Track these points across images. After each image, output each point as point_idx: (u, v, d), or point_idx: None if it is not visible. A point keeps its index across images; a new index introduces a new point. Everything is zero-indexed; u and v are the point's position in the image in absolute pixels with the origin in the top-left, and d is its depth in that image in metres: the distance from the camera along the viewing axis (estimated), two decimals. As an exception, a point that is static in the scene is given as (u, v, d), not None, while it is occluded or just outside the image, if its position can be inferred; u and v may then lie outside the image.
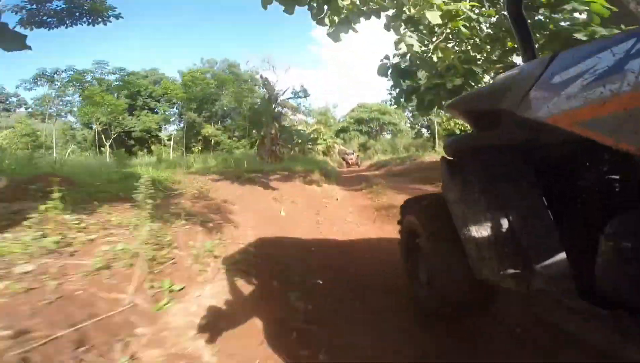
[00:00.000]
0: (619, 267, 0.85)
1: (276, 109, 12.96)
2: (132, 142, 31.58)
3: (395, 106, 7.15)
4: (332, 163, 28.30)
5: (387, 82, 7.54)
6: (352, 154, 26.94)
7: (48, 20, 8.43)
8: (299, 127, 21.87)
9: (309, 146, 21.86)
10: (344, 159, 26.42)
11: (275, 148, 11.68)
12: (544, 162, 1.37)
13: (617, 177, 1.21)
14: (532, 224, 1.19)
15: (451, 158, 1.61)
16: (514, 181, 1.30)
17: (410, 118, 35.24)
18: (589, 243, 0.95)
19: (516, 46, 3.80)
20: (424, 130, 34.95)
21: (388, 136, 35.86)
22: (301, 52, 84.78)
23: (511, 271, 1.12)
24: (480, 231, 1.24)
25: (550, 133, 1.12)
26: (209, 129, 27.74)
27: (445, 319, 1.76)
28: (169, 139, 32.90)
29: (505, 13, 2.27)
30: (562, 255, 1.09)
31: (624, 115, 0.75)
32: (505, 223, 1.20)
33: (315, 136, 20.25)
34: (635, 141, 0.73)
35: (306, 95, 32.36)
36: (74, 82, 29.08)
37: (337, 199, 7.08)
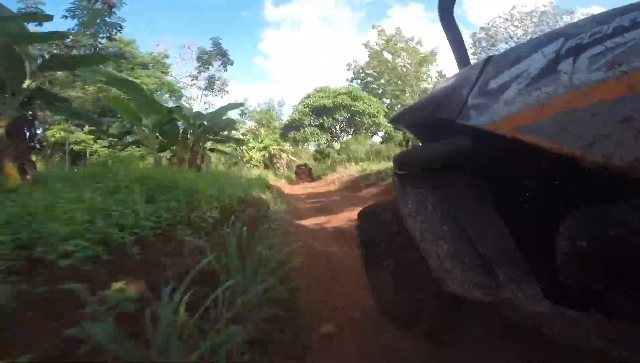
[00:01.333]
0: (579, 265, 0.85)
1: None
2: None
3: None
4: (278, 178, 18.05)
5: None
6: (305, 167, 21.88)
7: None
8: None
9: (223, 148, 11.42)
10: (296, 173, 20.83)
11: None
12: (492, 169, 1.30)
13: (562, 179, 1.12)
14: (489, 232, 1.17)
15: (402, 172, 1.60)
16: (465, 191, 1.31)
17: (387, 108, 24.09)
18: (547, 245, 0.93)
19: None
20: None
21: (350, 136, 24.26)
22: (247, 66, 77.25)
23: (475, 281, 1.07)
24: (439, 243, 1.20)
25: (493, 140, 1.04)
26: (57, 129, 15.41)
27: (416, 330, 1.51)
28: None
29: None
30: (521, 260, 1.06)
31: (563, 118, 0.76)
32: (462, 234, 1.18)
33: (233, 128, 9.64)
34: (577, 143, 0.74)
35: (226, 59, 21.65)
36: None
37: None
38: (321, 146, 23.31)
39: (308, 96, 23.18)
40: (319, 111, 21.75)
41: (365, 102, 20.89)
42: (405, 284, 1.53)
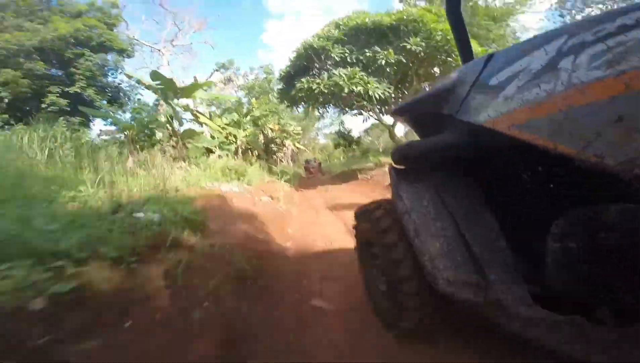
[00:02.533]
0: (567, 267, 0.84)
1: None
2: None
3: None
4: (273, 179, 8.98)
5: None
6: (314, 162, 17.85)
7: None
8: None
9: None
10: (306, 168, 16.77)
11: None
12: (487, 167, 1.33)
13: (557, 178, 1.17)
14: (481, 231, 1.17)
15: (399, 167, 1.57)
16: (459, 188, 1.31)
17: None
18: (537, 248, 0.94)
19: None
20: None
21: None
22: (251, 58, 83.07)
23: (466, 280, 1.06)
24: (432, 241, 1.18)
25: (490, 137, 1.03)
26: None
27: (408, 334, 1.49)
28: None
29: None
30: (513, 261, 1.07)
31: (560, 116, 0.75)
32: (455, 232, 1.18)
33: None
34: (573, 143, 0.73)
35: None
36: None
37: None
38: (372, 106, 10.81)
39: (338, 21, 10.12)
40: (365, 36, 9.16)
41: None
42: (391, 282, 1.48)
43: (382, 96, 8.53)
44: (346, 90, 8.27)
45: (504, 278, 1.01)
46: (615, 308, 0.83)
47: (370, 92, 8.33)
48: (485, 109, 0.99)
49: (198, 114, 6.77)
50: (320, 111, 12.44)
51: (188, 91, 5.63)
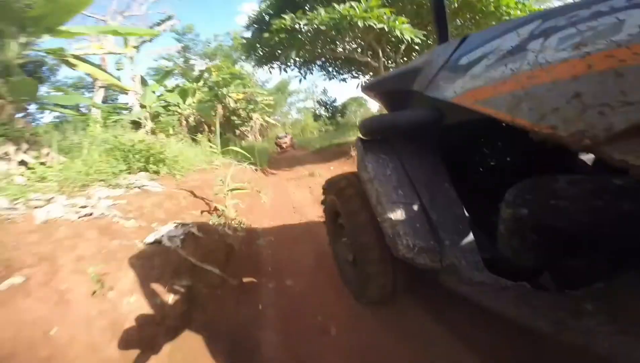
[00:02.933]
0: (518, 233, 0.87)
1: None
2: None
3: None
4: (227, 159, 6.63)
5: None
6: (286, 137, 16.93)
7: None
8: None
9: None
10: (277, 143, 15.57)
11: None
12: (449, 140, 1.39)
13: (514, 151, 1.27)
14: (441, 200, 1.21)
15: (366, 138, 1.58)
16: (422, 159, 1.35)
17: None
18: (491, 216, 0.97)
19: None
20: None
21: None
22: (228, 26, 78.85)
23: (424, 246, 1.11)
24: (393, 208, 1.21)
25: (456, 112, 1.09)
26: None
27: (374, 301, 1.60)
28: None
29: None
30: (468, 229, 1.12)
31: (521, 93, 0.77)
32: (415, 199, 1.22)
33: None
34: (530, 116, 0.75)
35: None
36: None
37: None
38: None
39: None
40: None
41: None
42: (357, 253, 1.53)
43: (411, 39, 6.22)
44: (360, 25, 5.82)
45: (459, 244, 1.08)
46: (559, 275, 0.86)
47: (397, 33, 5.97)
48: (452, 86, 1.01)
49: (76, 61, 4.14)
50: (302, 72, 9.79)
51: (47, 16, 3.04)
